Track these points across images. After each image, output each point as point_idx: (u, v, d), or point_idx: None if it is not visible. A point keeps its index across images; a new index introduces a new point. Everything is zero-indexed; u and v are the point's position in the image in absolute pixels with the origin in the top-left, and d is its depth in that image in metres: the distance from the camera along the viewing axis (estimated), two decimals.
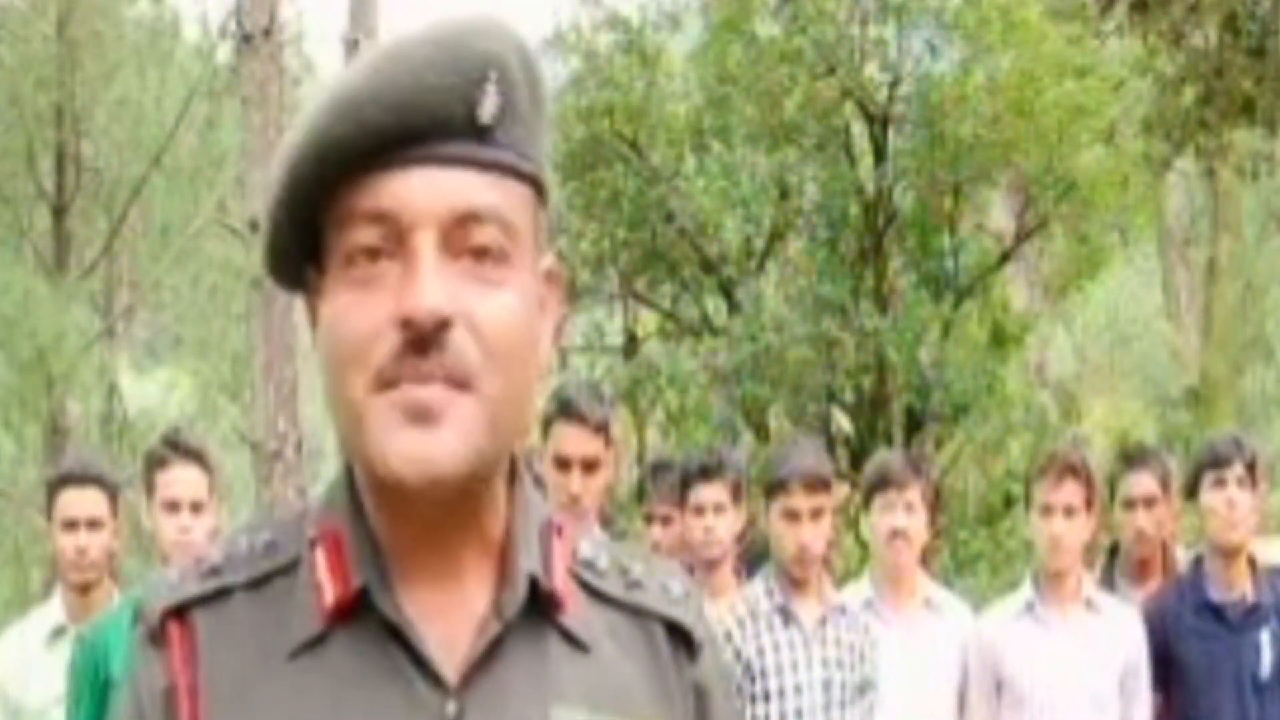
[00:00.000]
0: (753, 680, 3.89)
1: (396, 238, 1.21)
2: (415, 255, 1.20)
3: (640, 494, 4.83)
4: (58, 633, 4.22)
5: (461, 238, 1.22)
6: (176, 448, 4.01)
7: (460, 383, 1.20)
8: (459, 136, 1.22)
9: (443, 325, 1.19)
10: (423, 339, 1.19)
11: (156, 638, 1.28)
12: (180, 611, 1.28)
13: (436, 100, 1.21)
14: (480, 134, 1.23)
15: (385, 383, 1.20)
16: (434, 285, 1.19)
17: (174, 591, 1.29)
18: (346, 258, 1.23)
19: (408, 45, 1.22)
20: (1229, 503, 4.25)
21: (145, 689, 1.28)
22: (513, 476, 1.31)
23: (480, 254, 1.22)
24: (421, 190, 1.21)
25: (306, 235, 1.26)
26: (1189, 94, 11.95)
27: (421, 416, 1.20)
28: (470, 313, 1.21)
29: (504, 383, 1.22)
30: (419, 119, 1.20)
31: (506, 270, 1.23)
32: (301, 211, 1.25)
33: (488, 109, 1.22)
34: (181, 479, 3.97)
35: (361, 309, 1.21)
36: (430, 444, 1.19)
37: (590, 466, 3.97)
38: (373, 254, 1.21)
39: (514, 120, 1.24)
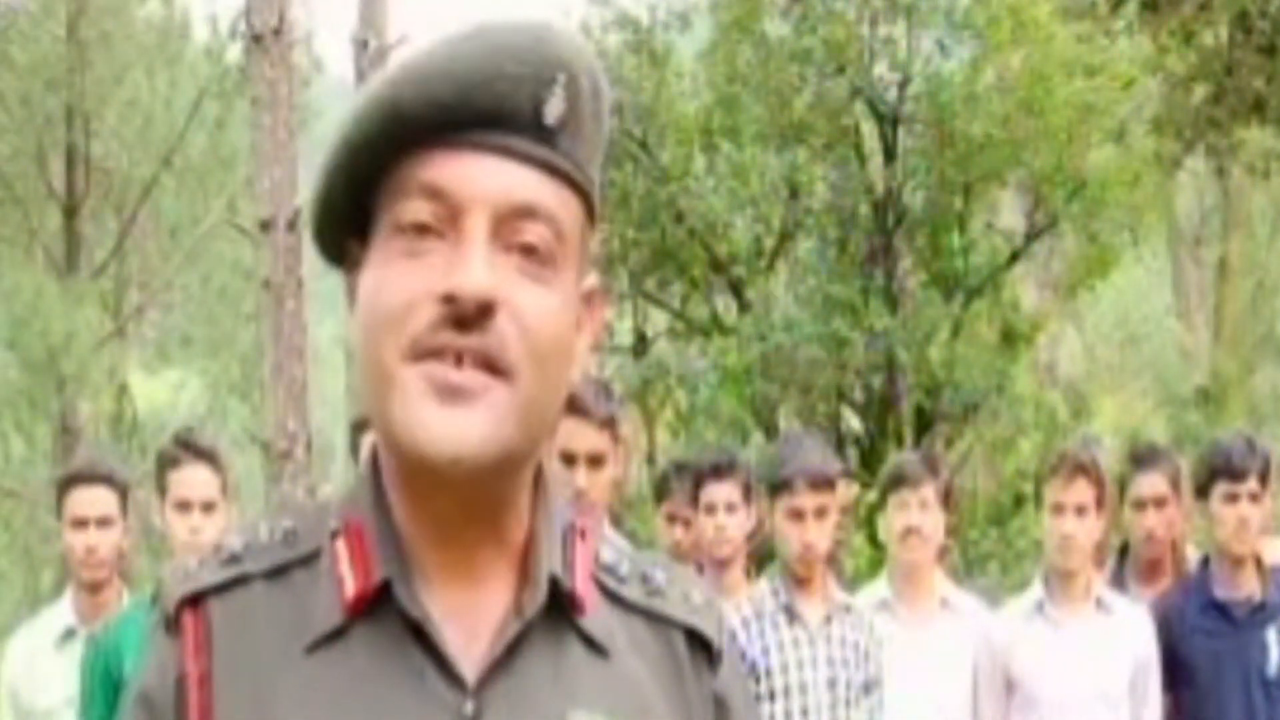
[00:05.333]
0: (758, 679, 3.88)
1: (449, 217, 1.20)
2: (467, 237, 1.20)
3: (660, 494, 4.81)
4: (68, 634, 4.22)
5: (512, 231, 1.21)
6: (188, 448, 4.01)
7: (499, 369, 1.19)
8: (523, 132, 1.22)
9: (487, 309, 1.18)
10: (465, 317, 1.18)
11: (171, 626, 1.27)
12: (195, 600, 1.26)
13: (506, 89, 1.20)
14: (543, 134, 1.22)
15: (419, 352, 1.19)
16: (482, 267, 1.19)
17: (190, 580, 1.27)
18: (396, 229, 1.22)
19: (489, 30, 1.22)
20: (1241, 520, 4.25)
21: (157, 678, 1.26)
22: (537, 480, 1.29)
23: (529, 251, 1.21)
24: (481, 175, 1.21)
25: (356, 207, 1.25)
26: (1199, 92, 11.95)
27: (454, 396, 1.18)
28: (515, 303, 1.20)
29: (540, 377, 1.21)
30: (486, 103, 1.20)
31: (553, 273, 1.22)
32: (357, 179, 1.24)
33: (553, 110, 1.22)
34: (193, 479, 3.97)
35: (405, 279, 1.20)
36: (459, 422, 1.18)
37: (595, 461, 3.95)
38: (422, 230, 1.21)
39: (576, 129, 1.24)
